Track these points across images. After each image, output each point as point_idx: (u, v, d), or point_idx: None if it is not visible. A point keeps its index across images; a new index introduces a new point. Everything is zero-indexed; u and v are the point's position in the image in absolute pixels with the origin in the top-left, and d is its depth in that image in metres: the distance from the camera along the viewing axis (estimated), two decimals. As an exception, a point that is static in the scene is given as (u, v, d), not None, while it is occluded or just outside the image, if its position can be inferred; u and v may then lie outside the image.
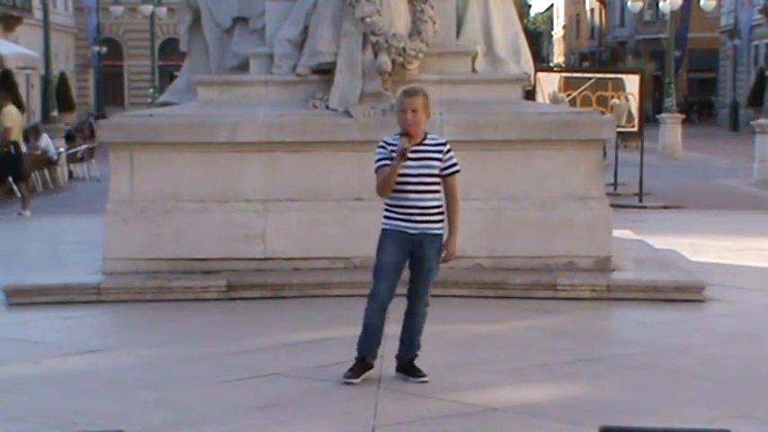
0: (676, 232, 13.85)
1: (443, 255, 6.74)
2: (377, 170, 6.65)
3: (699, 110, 58.40)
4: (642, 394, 6.59)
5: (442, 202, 6.70)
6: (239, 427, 5.99)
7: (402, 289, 6.81)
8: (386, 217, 6.71)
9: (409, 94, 6.66)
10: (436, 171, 6.64)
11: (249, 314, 9.01)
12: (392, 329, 6.86)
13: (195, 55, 11.44)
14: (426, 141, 6.66)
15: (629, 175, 20.25)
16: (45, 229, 15.63)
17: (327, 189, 9.96)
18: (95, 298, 9.49)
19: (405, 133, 6.56)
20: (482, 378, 6.94)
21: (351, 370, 6.74)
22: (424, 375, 6.74)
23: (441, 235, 6.71)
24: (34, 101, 40.34)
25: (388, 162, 6.60)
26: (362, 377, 6.72)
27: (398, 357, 6.85)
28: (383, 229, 6.72)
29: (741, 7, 51.26)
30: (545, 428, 5.97)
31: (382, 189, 6.64)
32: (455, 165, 6.70)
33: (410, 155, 6.54)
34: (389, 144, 6.65)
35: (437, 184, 6.66)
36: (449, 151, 6.70)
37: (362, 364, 6.76)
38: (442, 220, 6.71)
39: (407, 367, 6.80)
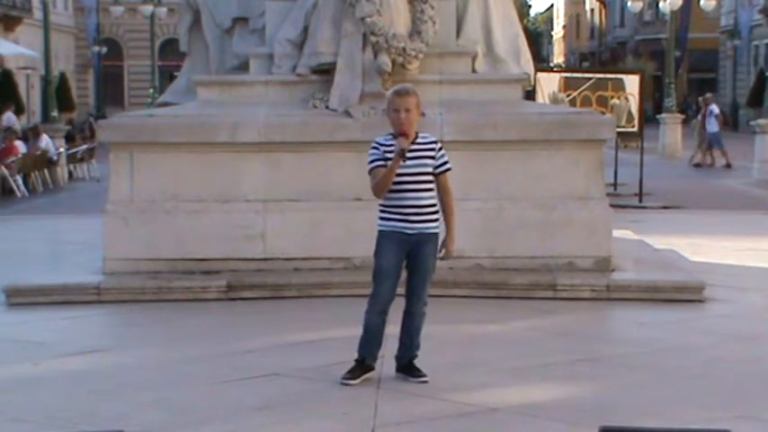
0: (676, 232, 13.84)
1: (442, 253, 6.74)
2: (371, 171, 6.66)
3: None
4: (642, 394, 6.59)
5: (436, 201, 6.71)
6: (239, 427, 5.99)
7: (400, 288, 6.81)
8: (382, 218, 6.72)
9: (401, 94, 6.66)
10: (430, 169, 6.66)
11: (249, 314, 9.01)
12: (391, 329, 6.85)
13: (195, 55, 11.44)
14: (419, 140, 6.67)
15: (629, 175, 20.25)
16: (45, 229, 15.62)
17: (327, 189, 9.96)
18: (95, 298, 9.49)
19: (400, 133, 6.57)
20: (482, 378, 6.94)
21: (350, 371, 6.73)
22: (424, 375, 6.74)
23: (437, 234, 6.72)
24: (34, 101, 40.35)
25: (382, 163, 6.60)
26: (362, 379, 6.71)
27: (398, 358, 6.85)
28: (380, 231, 6.72)
29: (741, 7, 51.26)
30: (545, 428, 5.98)
31: (380, 189, 6.65)
32: (447, 163, 6.72)
33: (407, 154, 6.55)
34: (382, 145, 6.66)
35: (432, 182, 6.68)
36: (441, 149, 6.72)
37: (362, 365, 6.76)
38: (437, 219, 6.72)
39: (407, 367, 6.80)
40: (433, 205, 6.69)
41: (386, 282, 6.68)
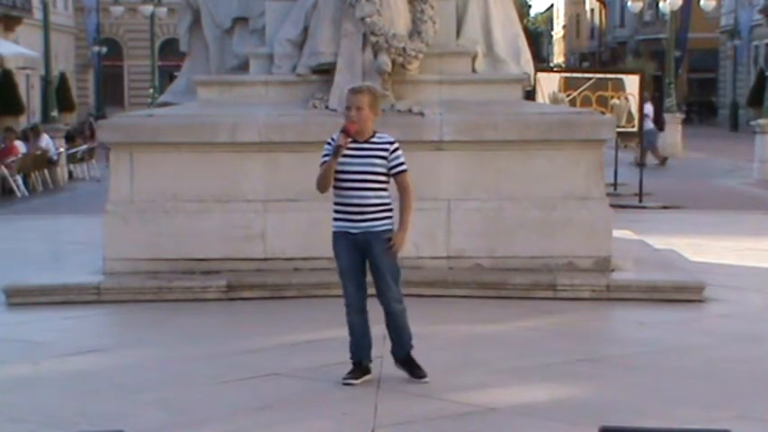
0: (676, 232, 13.84)
1: (388, 245, 6.66)
2: (321, 165, 6.69)
3: (699, 110, 58.36)
4: (642, 394, 6.59)
5: (389, 200, 6.70)
6: (239, 427, 5.99)
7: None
8: (333, 218, 6.78)
9: (354, 91, 6.72)
10: (380, 169, 6.64)
11: (249, 314, 9.01)
12: (383, 330, 6.88)
13: (195, 55, 11.44)
14: (373, 139, 6.68)
15: (629, 175, 20.24)
16: (45, 229, 15.62)
17: (327, 189, 9.94)
18: (95, 298, 9.49)
19: (342, 129, 6.58)
20: (482, 378, 6.94)
21: (350, 372, 6.76)
22: (425, 375, 6.74)
23: (387, 231, 6.68)
24: (34, 101, 40.33)
25: (329, 158, 6.63)
26: (362, 380, 6.73)
27: (393, 353, 6.90)
28: (333, 232, 6.79)
29: (741, 7, 51.23)
30: (545, 428, 5.98)
31: (319, 184, 6.74)
32: (401, 164, 6.69)
33: (352, 152, 6.58)
34: (334, 141, 6.68)
35: (381, 182, 6.66)
36: (395, 150, 6.69)
37: (360, 367, 6.77)
38: (386, 218, 6.69)
39: (407, 362, 6.81)
40: (381, 204, 6.66)
41: (349, 281, 6.73)
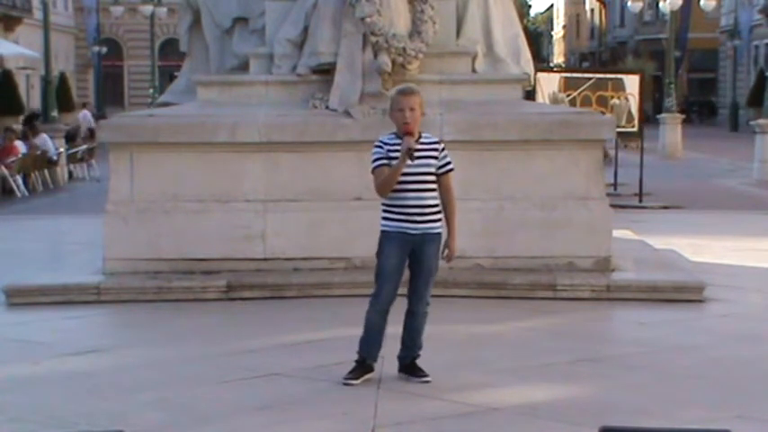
0: (676, 232, 13.84)
1: (445, 254, 6.74)
2: (374, 170, 6.65)
3: (699, 110, 58.40)
4: (642, 394, 6.59)
5: (439, 201, 6.70)
6: (239, 427, 5.99)
7: (402, 288, 6.81)
8: (385, 218, 6.70)
9: (406, 93, 6.66)
10: (433, 169, 6.65)
11: (249, 314, 9.01)
12: (392, 330, 6.85)
13: (195, 55, 11.44)
14: (422, 140, 6.67)
15: (629, 175, 20.25)
16: (45, 229, 15.63)
17: (327, 189, 9.96)
18: (95, 298, 9.49)
19: (406, 132, 6.56)
20: (482, 378, 6.94)
21: (351, 372, 6.74)
22: (426, 375, 6.74)
23: (440, 234, 6.72)
24: (34, 101, 40.35)
25: (386, 162, 6.59)
26: (363, 379, 6.71)
27: (400, 358, 6.85)
28: (383, 231, 6.71)
29: (741, 7, 51.27)
30: (545, 428, 5.98)
31: (384, 189, 6.63)
32: (450, 163, 6.71)
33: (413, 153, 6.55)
34: (386, 144, 6.65)
35: (434, 182, 6.67)
36: (443, 149, 6.72)
37: (363, 366, 6.76)
38: (441, 219, 6.71)
39: (410, 367, 6.80)
40: (436, 205, 6.68)
41: (389, 282, 6.68)
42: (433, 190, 6.67)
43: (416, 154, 6.55)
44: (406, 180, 6.59)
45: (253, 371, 7.09)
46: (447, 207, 6.72)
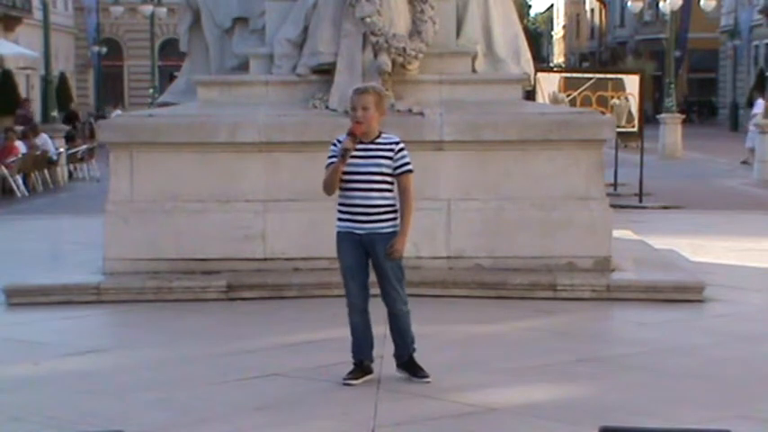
0: (676, 232, 13.84)
1: (388, 250, 6.63)
2: (327, 167, 6.66)
3: (699, 110, 58.38)
4: (642, 394, 6.59)
5: (394, 201, 6.67)
6: (239, 427, 5.99)
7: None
8: (337, 218, 6.75)
9: (360, 91, 6.66)
10: (386, 170, 6.61)
11: (249, 314, 9.01)
12: (387, 330, 6.87)
13: (195, 55, 11.44)
14: (378, 140, 6.65)
15: (629, 175, 20.25)
16: (45, 229, 15.63)
17: (327, 189, 9.94)
18: (95, 298, 9.49)
19: (350, 131, 6.56)
20: (482, 378, 6.94)
21: (351, 372, 6.75)
22: (426, 375, 6.74)
23: (391, 233, 6.65)
24: (34, 101, 40.34)
25: (335, 160, 6.61)
26: (363, 380, 6.72)
27: (396, 356, 6.87)
28: (336, 232, 6.76)
29: (741, 7, 51.25)
30: (545, 428, 5.98)
31: (326, 186, 6.69)
32: (407, 164, 6.65)
33: (358, 153, 6.55)
34: (340, 142, 6.66)
35: (386, 182, 6.63)
36: (401, 150, 6.66)
37: (361, 367, 6.77)
38: (391, 219, 6.66)
39: (408, 364, 6.80)
40: (386, 206, 6.64)
41: (352, 281, 6.71)
42: (382, 190, 6.62)
43: (367, 153, 6.54)
44: (353, 179, 6.59)
45: (253, 371, 7.09)
46: (402, 206, 6.67)
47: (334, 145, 6.67)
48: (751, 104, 34.62)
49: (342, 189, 6.65)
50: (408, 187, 6.65)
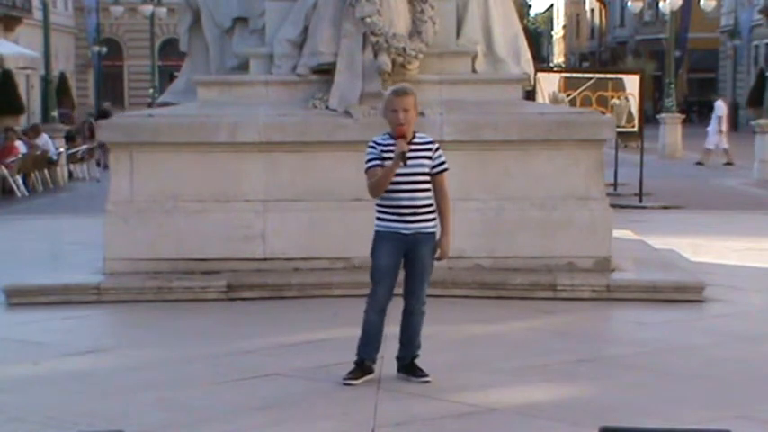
0: (676, 232, 13.84)
1: (437, 254, 6.72)
2: (367, 171, 6.64)
3: (699, 110, 58.38)
4: (642, 394, 6.59)
5: (433, 201, 6.69)
6: (239, 427, 5.99)
7: (398, 289, 6.80)
8: (378, 218, 6.71)
9: (399, 93, 6.63)
10: (427, 170, 6.63)
11: (249, 314, 9.01)
12: (391, 330, 6.85)
13: (195, 55, 11.44)
14: (415, 140, 6.65)
15: (629, 175, 20.26)
16: (45, 229, 15.63)
17: (327, 189, 9.96)
18: (95, 298, 9.49)
19: (399, 135, 6.55)
20: (482, 378, 6.94)
21: (351, 372, 6.74)
22: (426, 375, 6.74)
23: (434, 233, 6.70)
24: (34, 101, 40.34)
25: (378, 163, 6.59)
26: (363, 380, 6.71)
27: (399, 358, 6.84)
28: (377, 231, 6.72)
29: (741, 7, 51.27)
30: (545, 428, 5.98)
31: (376, 190, 6.64)
32: (444, 163, 6.69)
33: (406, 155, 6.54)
34: (379, 144, 6.64)
35: (427, 182, 6.65)
36: (438, 149, 6.69)
37: (362, 367, 6.76)
38: (434, 219, 6.70)
39: (409, 367, 6.80)
40: (430, 205, 6.67)
41: (383, 282, 6.68)
42: (426, 190, 6.65)
43: (410, 154, 6.54)
44: (399, 181, 6.58)
45: (253, 371, 7.09)
46: (441, 206, 6.70)
47: (373, 147, 6.64)
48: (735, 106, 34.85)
49: (386, 191, 6.62)
50: (445, 186, 6.70)
